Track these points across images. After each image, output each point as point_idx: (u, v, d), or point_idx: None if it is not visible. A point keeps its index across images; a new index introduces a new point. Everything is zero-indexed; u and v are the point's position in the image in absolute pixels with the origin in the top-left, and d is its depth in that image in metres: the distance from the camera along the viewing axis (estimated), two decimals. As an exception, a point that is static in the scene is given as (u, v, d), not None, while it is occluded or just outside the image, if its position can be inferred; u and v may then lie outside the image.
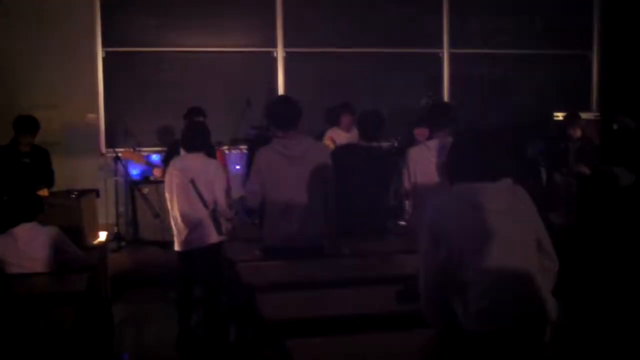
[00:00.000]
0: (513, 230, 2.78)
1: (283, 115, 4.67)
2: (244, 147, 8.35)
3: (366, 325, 3.22)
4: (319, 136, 7.40)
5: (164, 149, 7.66)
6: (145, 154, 7.50)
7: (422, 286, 2.88)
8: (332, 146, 6.56)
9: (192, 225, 5.30)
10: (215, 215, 5.34)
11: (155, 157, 7.99)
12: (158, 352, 5.56)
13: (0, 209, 4.96)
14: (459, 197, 2.84)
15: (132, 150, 7.46)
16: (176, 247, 5.43)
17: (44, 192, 6.06)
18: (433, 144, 5.04)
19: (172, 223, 5.45)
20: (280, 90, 8.68)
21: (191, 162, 5.34)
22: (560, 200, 7.58)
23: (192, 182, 5.26)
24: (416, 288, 2.95)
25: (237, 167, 8.33)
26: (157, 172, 7.07)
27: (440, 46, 9.12)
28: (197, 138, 5.41)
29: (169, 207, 5.43)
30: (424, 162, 5.06)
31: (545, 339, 2.75)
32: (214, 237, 5.35)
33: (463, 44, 9.16)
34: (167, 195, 5.44)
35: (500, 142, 2.96)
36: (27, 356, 2.93)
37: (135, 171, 8.20)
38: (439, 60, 9.12)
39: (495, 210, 2.78)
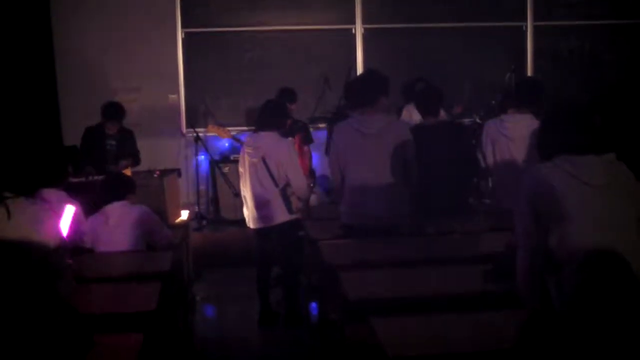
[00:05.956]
0: (611, 207, 2.65)
1: (359, 93, 4.59)
2: (322, 126, 8.30)
3: (452, 305, 3.15)
4: (397, 112, 7.28)
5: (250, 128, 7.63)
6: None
7: (520, 263, 2.77)
8: None
9: (262, 202, 5.31)
10: (285, 194, 5.31)
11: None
12: (239, 329, 5.60)
13: (94, 187, 5.09)
14: (559, 169, 2.71)
15: (218, 126, 7.49)
16: (250, 225, 5.46)
17: (127, 172, 6.15)
18: (512, 119, 4.88)
19: (243, 200, 5.49)
20: (359, 68, 8.57)
21: (263, 140, 5.31)
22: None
23: (263, 159, 5.26)
24: (507, 267, 2.85)
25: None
26: None
27: (524, 19, 8.84)
28: (264, 116, 5.39)
29: (241, 184, 5.49)
30: (503, 138, 4.92)
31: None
32: (284, 216, 5.33)
33: (548, 17, 8.85)
34: (240, 171, 5.49)
35: (597, 116, 2.82)
36: (115, 333, 2.96)
37: (215, 151, 8.23)
38: (522, 34, 8.86)
39: (593, 184, 2.65)
